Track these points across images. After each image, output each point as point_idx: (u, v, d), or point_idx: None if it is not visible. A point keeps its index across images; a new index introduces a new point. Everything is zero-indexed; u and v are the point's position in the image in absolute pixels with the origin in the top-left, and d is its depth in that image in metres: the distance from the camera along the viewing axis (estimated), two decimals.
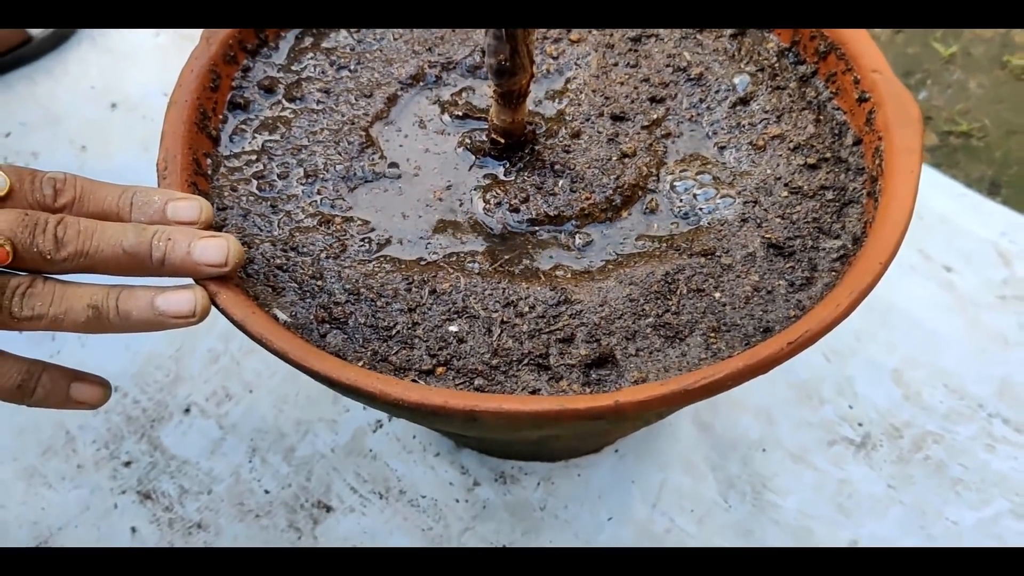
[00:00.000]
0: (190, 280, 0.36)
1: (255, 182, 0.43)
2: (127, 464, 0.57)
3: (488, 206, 0.42)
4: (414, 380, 0.36)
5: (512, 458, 0.56)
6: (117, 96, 0.77)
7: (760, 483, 0.56)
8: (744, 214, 0.41)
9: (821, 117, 0.44)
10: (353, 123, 0.45)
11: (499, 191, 0.42)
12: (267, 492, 0.56)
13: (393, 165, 0.44)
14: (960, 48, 0.93)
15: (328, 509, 0.55)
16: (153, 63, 0.79)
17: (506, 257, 0.40)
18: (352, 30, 0.49)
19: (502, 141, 0.42)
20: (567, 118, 0.45)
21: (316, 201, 0.42)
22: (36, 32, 0.78)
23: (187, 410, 0.59)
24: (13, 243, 0.33)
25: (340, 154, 0.44)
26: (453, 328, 0.38)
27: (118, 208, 0.36)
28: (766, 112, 0.45)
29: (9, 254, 0.33)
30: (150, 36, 0.81)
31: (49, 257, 0.34)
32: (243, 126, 0.45)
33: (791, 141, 0.44)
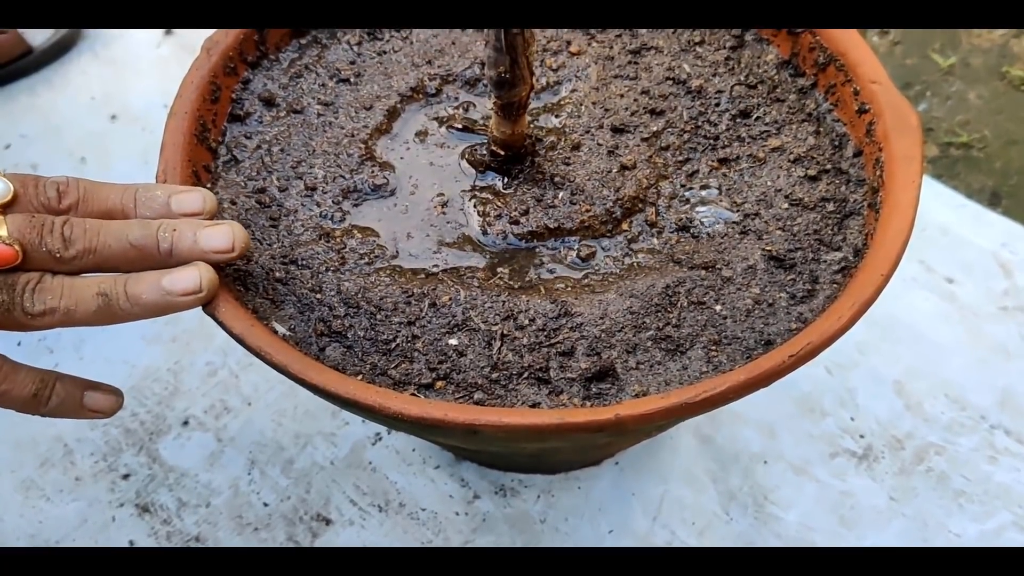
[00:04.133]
0: None
1: (255, 195, 0.43)
2: (125, 477, 0.57)
3: (488, 219, 0.42)
4: (413, 394, 0.36)
5: (512, 471, 0.56)
6: (117, 108, 0.77)
7: (761, 495, 0.55)
8: (744, 226, 0.41)
9: (821, 129, 0.44)
10: (353, 136, 0.45)
11: (499, 204, 0.42)
12: (266, 505, 0.55)
13: (393, 179, 0.44)
14: (959, 59, 0.93)
15: (327, 522, 0.55)
16: (154, 75, 0.79)
17: (506, 270, 0.40)
18: (353, 43, 0.49)
19: (502, 153, 0.42)
20: (567, 130, 0.45)
21: (315, 214, 0.42)
22: (37, 43, 0.78)
23: (185, 423, 0.59)
24: (22, 244, 0.34)
25: (340, 167, 0.44)
26: (453, 341, 0.37)
27: (122, 206, 0.37)
28: (766, 124, 0.45)
29: (18, 254, 0.34)
30: (151, 47, 0.81)
31: (59, 256, 0.35)
32: (243, 138, 0.45)
33: (791, 153, 0.44)
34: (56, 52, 0.80)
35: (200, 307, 0.36)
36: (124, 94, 0.78)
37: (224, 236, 0.36)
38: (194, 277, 0.35)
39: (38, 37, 0.79)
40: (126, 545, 0.54)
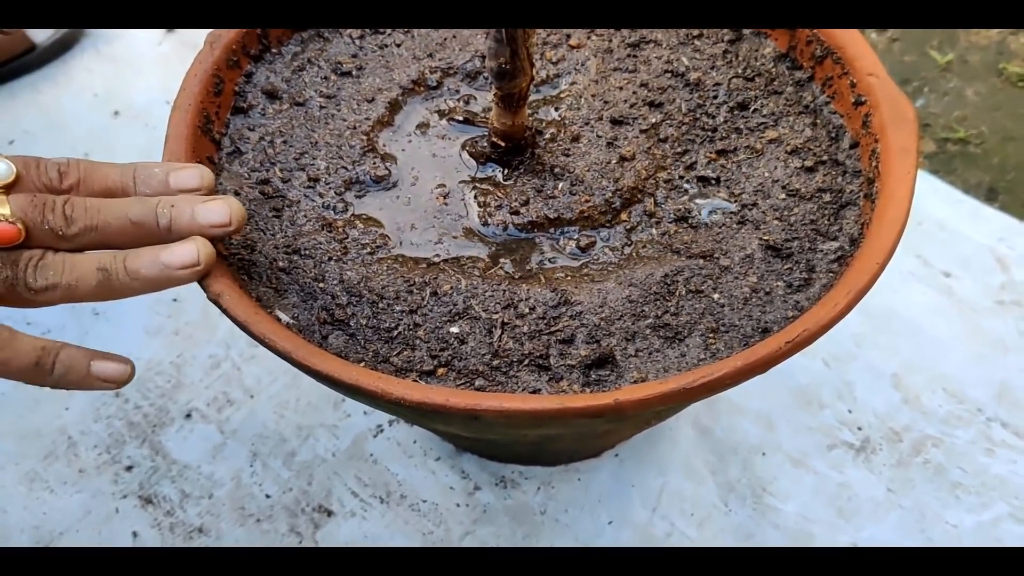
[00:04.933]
0: None
1: (258, 186, 0.43)
2: (128, 469, 0.57)
3: (489, 209, 0.42)
4: (415, 381, 0.36)
5: (512, 462, 0.56)
6: (120, 104, 0.77)
7: (760, 487, 0.56)
8: (742, 216, 0.42)
9: (818, 121, 0.45)
10: (355, 128, 0.45)
11: (500, 194, 0.43)
12: (268, 496, 0.56)
13: (395, 170, 0.44)
14: (956, 56, 0.94)
15: (329, 513, 0.55)
16: (156, 71, 0.80)
17: (507, 259, 0.41)
18: (355, 37, 0.49)
19: (503, 145, 0.43)
20: (567, 122, 0.45)
21: (318, 205, 0.43)
22: (40, 40, 0.79)
23: (188, 415, 0.59)
24: (25, 222, 0.35)
25: (342, 159, 0.44)
26: (454, 329, 0.38)
27: (122, 184, 0.38)
28: (763, 116, 0.45)
29: (21, 232, 0.35)
30: (153, 44, 0.82)
31: (60, 233, 0.35)
32: (246, 131, 0.45)
33: (788, 145, 0.44)
34: (59, 49, 0.80)
35: (206, 296, 0.37)
36: (126, 90, 0.78)
37: (221, 211, 0.36)
38: (192, 251, 0.36)
39: (41, 34, 0.79)
40: (130, 536, 0.54)
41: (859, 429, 0.58)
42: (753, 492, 0.56)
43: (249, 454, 0.57)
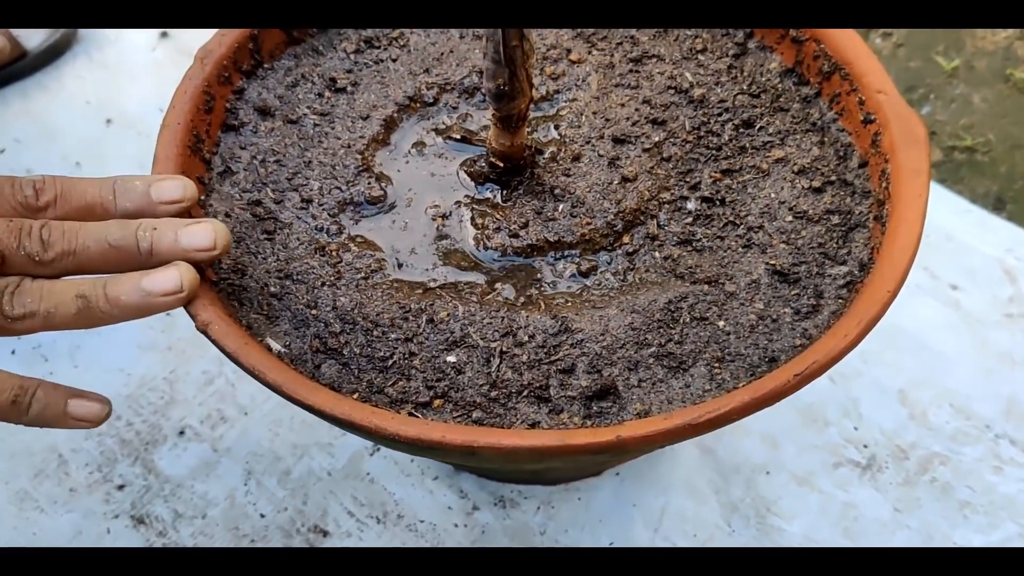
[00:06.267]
0: None
1: (250, 208, 0.42)
2: (120, 487, 0.56)
3: (487, 232, 0.41)
4: (411, 412, 0.35)
5: (512, 482, 0.55)
6: (112, 112, 0.76)
7: (764, 507, 0.55)
8: (748, 240, 0.41)
9: (825, 139, 0.44)
10: (350, 147, 0.44)
11: (499, 216, 0.41)
12: (263, 516, 0.55)
13: (390, 191, 0.43)
14: (963, 62, 0.93)
15: (325, 534, 0.54)
16: (149, 79, 0.78)
17: (505, 284, 0.40)
18: (349, 51, 0.48)
19: (501, 165, 0.42)
20: (567, 141, 0.44)
21: (311, 227, 0.41)
22: (31, 47, 0.78)
23: (181, 433, 0.58)
24: (0, 249, 0.34)
25: (336, 179, 0.43)
26: (451, 358, 0.37)
27: (101, 199, 0.36)
28: (769, 135, 0.44)
29: None
30: (146, 51, 0.81)
31: (37, 259, 0.34)
32: (238, 149, 0.44)
33: (795, 164, 0.43)
34: (51, 56, 0.79)
35: (194, 326, 0.36)
36: (119, 98, 0.77)
37: (206, 234, 0.35)
38: (174, 277, 0.34)
39: (32, 41, 0.78)
40: None
41: (865, 447, 0.57)
42: (757, 512, 0.55)
43: (243, 472, 0.56)
